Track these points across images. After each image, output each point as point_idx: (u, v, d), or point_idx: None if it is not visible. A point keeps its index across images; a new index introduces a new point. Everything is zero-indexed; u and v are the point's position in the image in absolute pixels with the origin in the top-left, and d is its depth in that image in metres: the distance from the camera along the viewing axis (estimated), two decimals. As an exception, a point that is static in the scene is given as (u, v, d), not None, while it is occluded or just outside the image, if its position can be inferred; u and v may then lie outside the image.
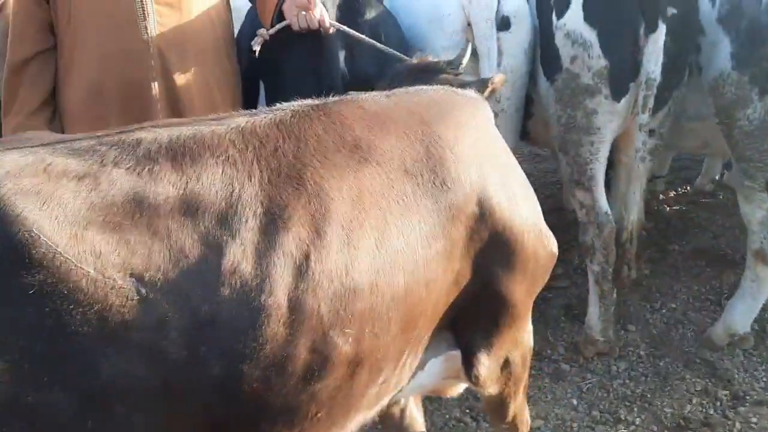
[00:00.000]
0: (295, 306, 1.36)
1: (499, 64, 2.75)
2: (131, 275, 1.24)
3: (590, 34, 2.69)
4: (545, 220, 1.83)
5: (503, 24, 2.75)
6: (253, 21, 2.67)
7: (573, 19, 2.71)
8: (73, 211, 1.22)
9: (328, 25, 2.31)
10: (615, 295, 3.07)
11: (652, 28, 2.66)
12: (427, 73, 2.15)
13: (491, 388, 1.85)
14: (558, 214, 4.07)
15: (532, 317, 1.95)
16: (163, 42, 2.22)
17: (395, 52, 2.36)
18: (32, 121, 2.23)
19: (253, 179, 1.39)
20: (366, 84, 2.29)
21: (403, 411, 2.19)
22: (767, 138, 2.70)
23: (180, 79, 2.27)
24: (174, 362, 1.28)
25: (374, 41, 2.37)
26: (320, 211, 1.42)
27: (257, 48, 2.35)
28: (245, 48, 2.49)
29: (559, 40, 2.76)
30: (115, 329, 1.23)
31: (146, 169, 1.31)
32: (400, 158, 1.56)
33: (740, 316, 3.04)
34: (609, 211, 2.94)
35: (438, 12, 2.77)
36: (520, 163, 1.85)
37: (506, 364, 1.85)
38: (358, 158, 1.51)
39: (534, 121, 3.21)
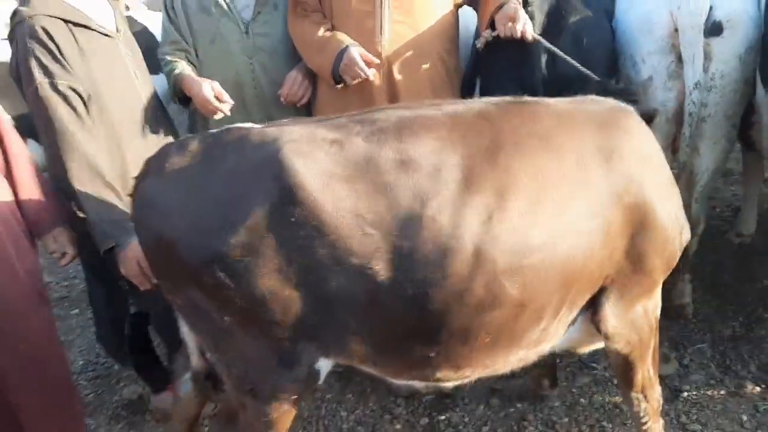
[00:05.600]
0: (476, 252, 1.73)
1: (706, 70, 2.75)
2: (357, 215, 1.69)
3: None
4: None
5: (715, 29, 2.73)
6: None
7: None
8: (324, 166, 1.71)
9: (529, 36, 2.63)
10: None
11: None
12: (606, 93, 2.41)
13: (619, 344, 2.10)
14: None
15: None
16: (393, 54, 2.76)
17: (580, 67, 2.60)
18: None
19: (456, 152, 1.77)
20: (564, 85, 2.55)
21: None
22: None
23: (401, 83, 2.79)
24: (379, 283, 1.72)
25: (563, 54, 2.63)
26: (505, 184, 1.77)
27: (480, 46, 2.78)
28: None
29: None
30: (342, 254, 1.70)
31: (376, 139, 1.76)
32: (577, 150, 1.89)
33: None
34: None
35: (649, 19, 2.86)
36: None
37: (633, 325, 2.09)
38: (544, 146, 1.85)
39: (755, 129, 3.13)
